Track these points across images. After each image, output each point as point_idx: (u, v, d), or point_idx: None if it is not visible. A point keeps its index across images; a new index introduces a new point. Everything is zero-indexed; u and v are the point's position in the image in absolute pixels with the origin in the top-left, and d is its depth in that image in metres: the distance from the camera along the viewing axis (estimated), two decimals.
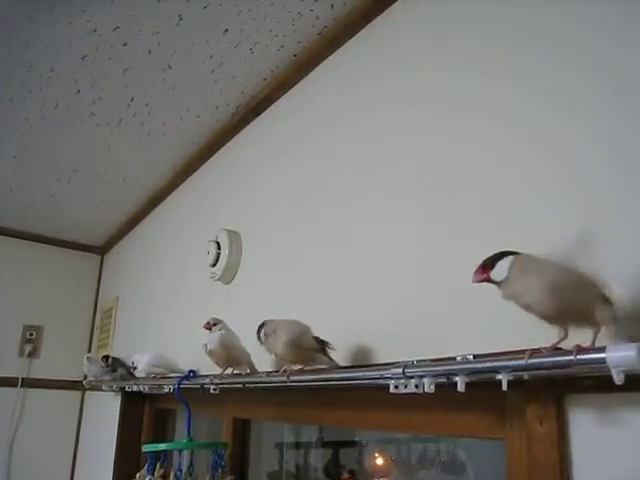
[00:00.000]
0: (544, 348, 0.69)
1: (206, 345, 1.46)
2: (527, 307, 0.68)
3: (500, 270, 0.71)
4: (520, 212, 0.89)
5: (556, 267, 0.68)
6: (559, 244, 0.71)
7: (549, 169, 0.86)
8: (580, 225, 0.79)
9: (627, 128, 0.76)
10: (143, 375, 2.06)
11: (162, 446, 1.66)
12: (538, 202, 0.86)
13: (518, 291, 0.69)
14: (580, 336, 0.68)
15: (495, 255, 0.72)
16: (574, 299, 0.66)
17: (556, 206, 0.83)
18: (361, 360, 1.14)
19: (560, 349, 0.70)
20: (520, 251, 0.72)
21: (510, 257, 0.71)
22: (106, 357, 2.52)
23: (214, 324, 1.47)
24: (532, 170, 0.88)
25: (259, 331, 1.21)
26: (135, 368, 2.11)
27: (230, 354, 1.45)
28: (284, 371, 1.18)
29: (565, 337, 0.69)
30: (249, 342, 1.45)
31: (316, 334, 1.18)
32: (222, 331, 1.46)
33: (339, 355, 1.20)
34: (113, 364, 2.45)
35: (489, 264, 0.72)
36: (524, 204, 0.89)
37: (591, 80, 0.82)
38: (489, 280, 0.72)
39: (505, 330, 0.85)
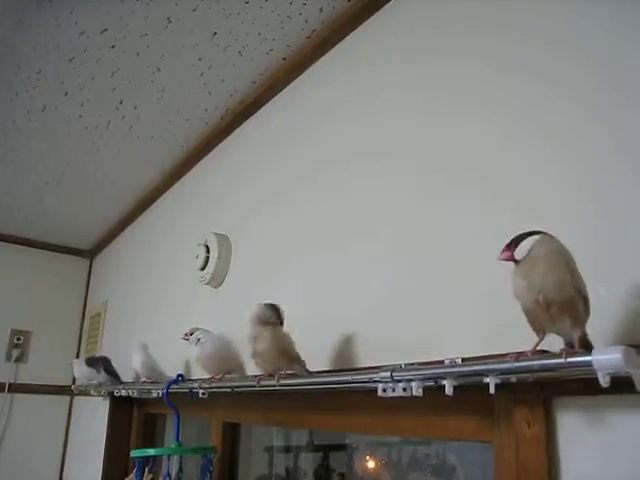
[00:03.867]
0: (529, 351, 0.69)
1: (195, 355, 1.47)
2: (543, 289, 0.67)
3: (524, 248, 0.70)
4: (522, 207, 0.88)
5: (572, 256, 0.69)
6: (563, 236, 0.71)
7: (551, 160, 0.86)
8: (583, 214, 0.79)
9: (628, 115, 0.76)
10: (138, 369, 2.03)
11: (150, 451, 1.64)
12: (540, 195, 0.86)
13: (540, 270, 0.67)
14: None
15: (522, 234, 0.71)
16: (579, 292, 0.67)
17: (559, 197, 0.83)
18: (350, 364, 1.14)
19: (546, 351, 0.70)
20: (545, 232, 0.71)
21: (536, 236, 0.70)
22: (91, 358, 2.50)
23: (191, 334, 1.48)
24: (535, 162, 0.88)
25: None
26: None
27: (217, 361, 1.45)
28: (273, 375, 1.18)
29: (543, 338, 0.70)
30: (239, 346, 1.45)
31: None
32: (203, 340, 1.46)
33: (330, 358, 1.20)
34: (96, 366, 2.40)
35: (514, 243, 0.71)
36: (525, 198, 0.88)
37: (590, 69, 0.83)
38: (512, 259, 0.71)
39: (497, 334, 0.85)
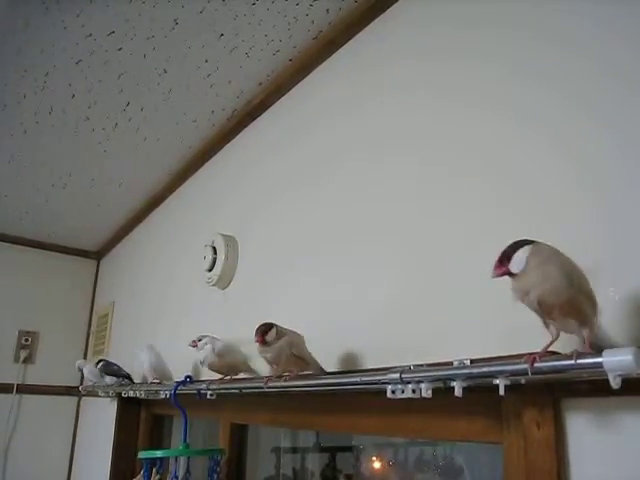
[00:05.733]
0: (537, 353, 0.69)
1: (200, 361, 1.48)
2: (540, 298, 0.66)
3: (518, 261, 0.68)
4: (526, 207, 0.88)
5: (567, 258, 0.67)
6: (567, 236, 0.70)
7: (554, 160, 0.85)
8: (587, 213, 0.79)
9: (630, 115, 0.76)
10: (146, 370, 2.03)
11: (158, 453, 1.65)
12: (544, 195, 0.85)
13: (535, 281, 0.66)
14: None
15: (511, 246, 0.69)
16: (581, 292, 0.66)
17: (562, 197, 0.83)
18: (359, 365, 1.14)
19: (556, 353, 0.69)
20: (535, 240, 0.70)
21: (527, 247, 0.68)
22: (99, 361, 2.50)
23: (199, 340, 1.49)
24: (538, 162, 0.88)
25: None
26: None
27: (226, 364, 1.45)
28: (281, 376, 1.17)
29: (556, 339, 0.69)
30: (247, 348, 1.45)
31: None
32: (209, 345, 1.46)
33: (338, 360, 1.20)
34: (103, 370, 2.41)
35: (506, 257, 0.68)
36: (530, 198, 0.88)
37: (592, 68, 0.82)
38: (508, 273, 0.69)
39: (504, 334, 0.85)
